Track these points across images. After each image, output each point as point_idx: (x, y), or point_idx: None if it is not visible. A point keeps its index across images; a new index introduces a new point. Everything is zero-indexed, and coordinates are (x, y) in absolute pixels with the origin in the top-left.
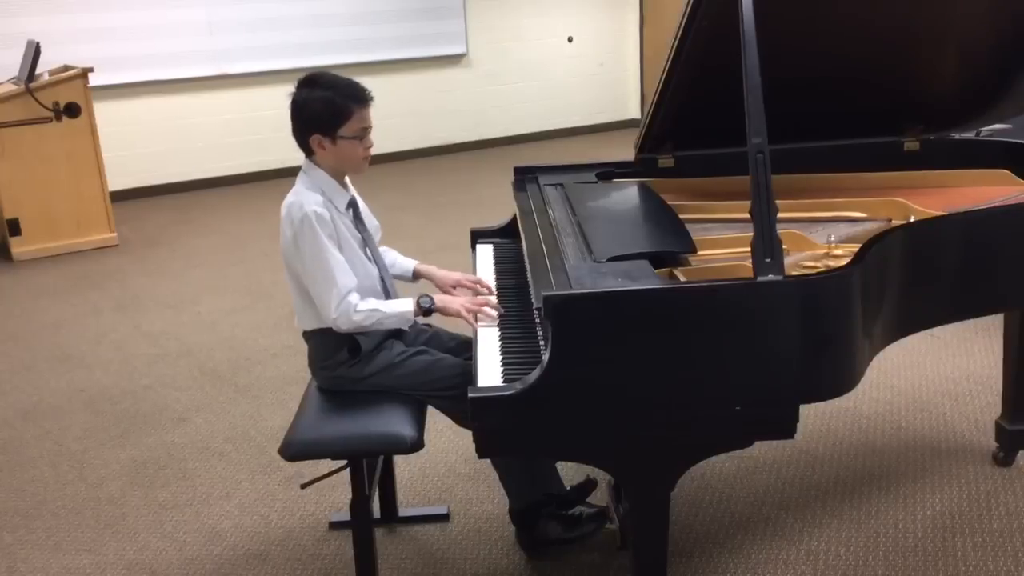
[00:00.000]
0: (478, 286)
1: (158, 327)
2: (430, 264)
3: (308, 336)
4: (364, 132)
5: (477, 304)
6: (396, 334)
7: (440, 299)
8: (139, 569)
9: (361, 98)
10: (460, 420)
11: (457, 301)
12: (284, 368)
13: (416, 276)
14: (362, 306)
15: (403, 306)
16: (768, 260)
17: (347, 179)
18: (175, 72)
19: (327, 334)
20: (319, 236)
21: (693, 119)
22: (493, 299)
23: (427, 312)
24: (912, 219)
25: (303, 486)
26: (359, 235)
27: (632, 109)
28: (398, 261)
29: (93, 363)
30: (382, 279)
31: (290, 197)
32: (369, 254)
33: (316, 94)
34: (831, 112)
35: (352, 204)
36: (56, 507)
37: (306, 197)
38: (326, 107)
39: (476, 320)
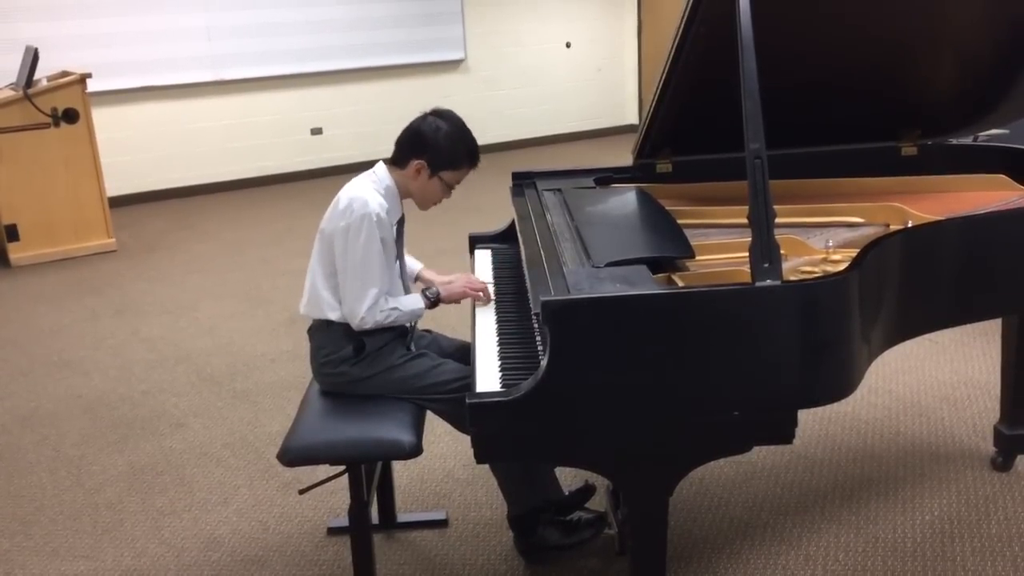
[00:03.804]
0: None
1: (156, 333)
2: (431, 269)
3: (315, 329)
4: (455, 186)
5: (476, 286)
6: (400, 336)
7: (444, 289)
8: (137, 575)
9: (475, 161)
10: (459, 425)
11: (457, 285)
12: (282, 373)
13: (417, 279)
14: (384, 306)
15: (415, 303)
16: (766, 265)
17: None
18: (173, 78)
19: (335, 327)
20: (375, 236)
21: (691, 124)
22: (490, 288)
23: (434, 302)
24: (910, 224)
25: (301, 492)
26: (396, 250)
27: (630, 114)
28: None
29: (91, 369)
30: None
31: (355, 191)
32: (399, 270)
33: (447, 130)
34: (829, 117)
35: (401, 222)
36: (54, 513)
37: (372, 196)
38: (449, 147)
39: (479, 296)
